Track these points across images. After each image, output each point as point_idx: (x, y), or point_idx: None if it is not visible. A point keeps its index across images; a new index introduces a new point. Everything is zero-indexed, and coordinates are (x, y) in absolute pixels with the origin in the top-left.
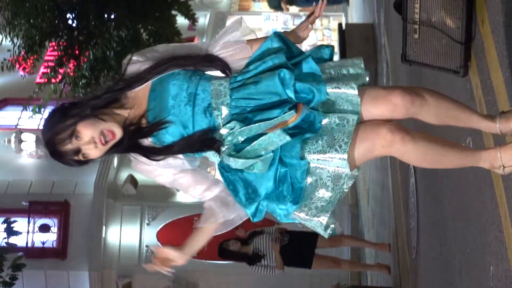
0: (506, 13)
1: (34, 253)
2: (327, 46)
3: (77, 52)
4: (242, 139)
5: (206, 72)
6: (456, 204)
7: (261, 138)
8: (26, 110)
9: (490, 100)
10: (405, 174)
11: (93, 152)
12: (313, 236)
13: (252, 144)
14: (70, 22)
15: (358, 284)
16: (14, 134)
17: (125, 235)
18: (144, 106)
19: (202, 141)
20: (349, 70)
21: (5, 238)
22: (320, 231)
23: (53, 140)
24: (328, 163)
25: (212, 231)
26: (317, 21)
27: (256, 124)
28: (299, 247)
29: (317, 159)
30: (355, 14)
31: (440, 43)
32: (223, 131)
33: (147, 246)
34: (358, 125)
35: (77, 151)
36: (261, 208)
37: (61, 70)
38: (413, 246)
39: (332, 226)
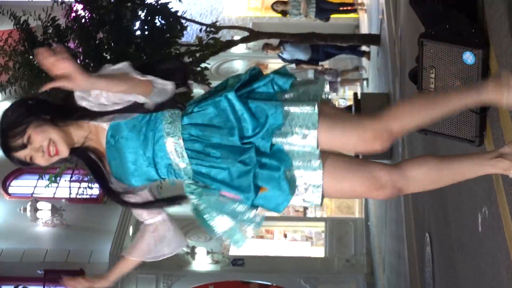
0: None
1: None
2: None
3: None
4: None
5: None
6: (472, 273)
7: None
8: (42, 179)
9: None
10: (421, 243)
11: (40, 160)
12: None
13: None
14: None
15: None
16: (29, 203)
17: None
18: (103, 149)
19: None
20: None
21: None
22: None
23: (6, 132)
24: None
25: (136, 264)
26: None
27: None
28: None
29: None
30: (370, 83)
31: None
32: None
33: None
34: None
35: (25, 150)
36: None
37: None
38: None
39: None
